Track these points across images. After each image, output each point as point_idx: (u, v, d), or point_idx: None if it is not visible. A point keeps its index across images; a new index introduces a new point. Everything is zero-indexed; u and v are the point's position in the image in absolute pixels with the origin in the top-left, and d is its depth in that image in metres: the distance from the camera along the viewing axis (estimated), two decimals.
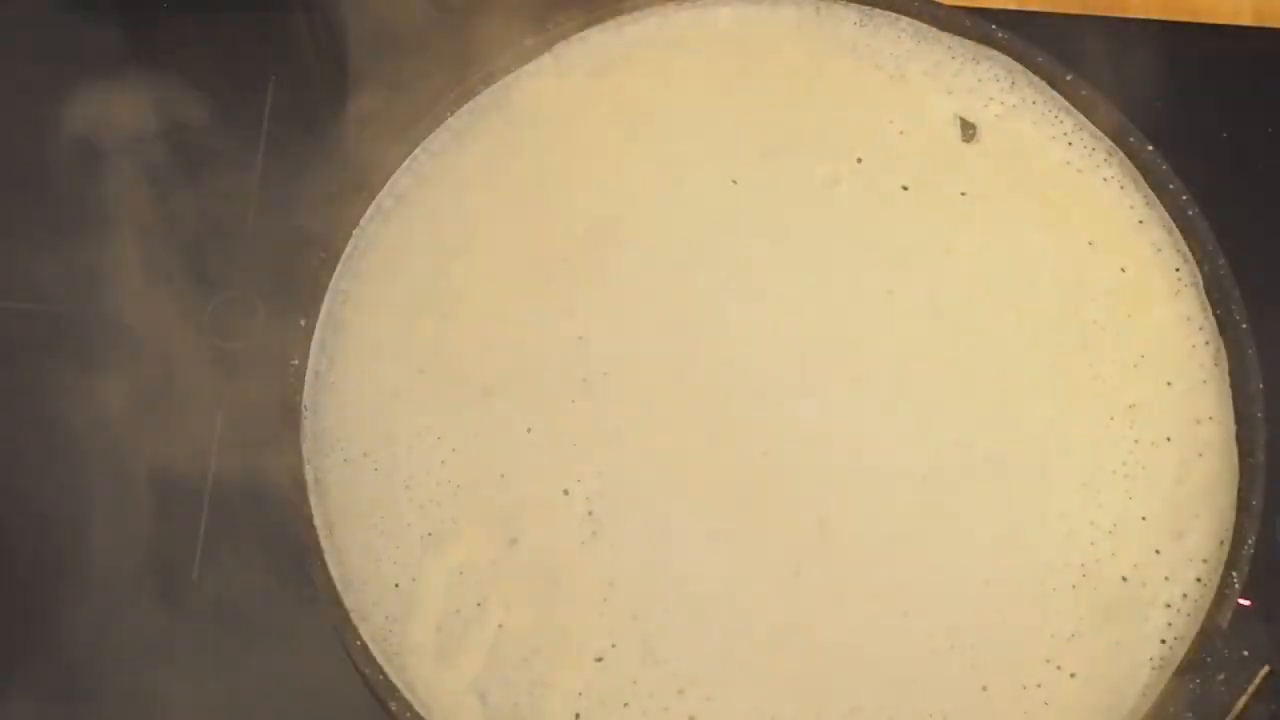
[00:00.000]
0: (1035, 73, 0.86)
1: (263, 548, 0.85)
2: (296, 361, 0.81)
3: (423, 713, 0.74)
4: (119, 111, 0.98)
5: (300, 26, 0.96)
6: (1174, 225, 0.83)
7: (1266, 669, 0.72)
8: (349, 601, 0.77)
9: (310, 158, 0.88)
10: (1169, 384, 0.80)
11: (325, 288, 0.83)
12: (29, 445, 0.92)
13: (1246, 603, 0.75)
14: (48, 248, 0.95)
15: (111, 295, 0.93)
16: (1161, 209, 0.83)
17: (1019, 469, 0.79)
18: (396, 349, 0.82)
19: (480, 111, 0.87)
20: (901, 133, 0.86)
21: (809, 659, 0.76)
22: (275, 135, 0.98)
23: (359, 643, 0.76)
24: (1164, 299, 0.82)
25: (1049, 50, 0.86)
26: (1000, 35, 0.87)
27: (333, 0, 0.95)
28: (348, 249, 0.84)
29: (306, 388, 0.81)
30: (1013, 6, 0.98)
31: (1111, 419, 0.79)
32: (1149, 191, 0.84)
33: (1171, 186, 0.83)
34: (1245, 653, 0.73)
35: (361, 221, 0.85)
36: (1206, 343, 0.81)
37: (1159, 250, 0.83)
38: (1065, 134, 0.85)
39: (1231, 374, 0.80)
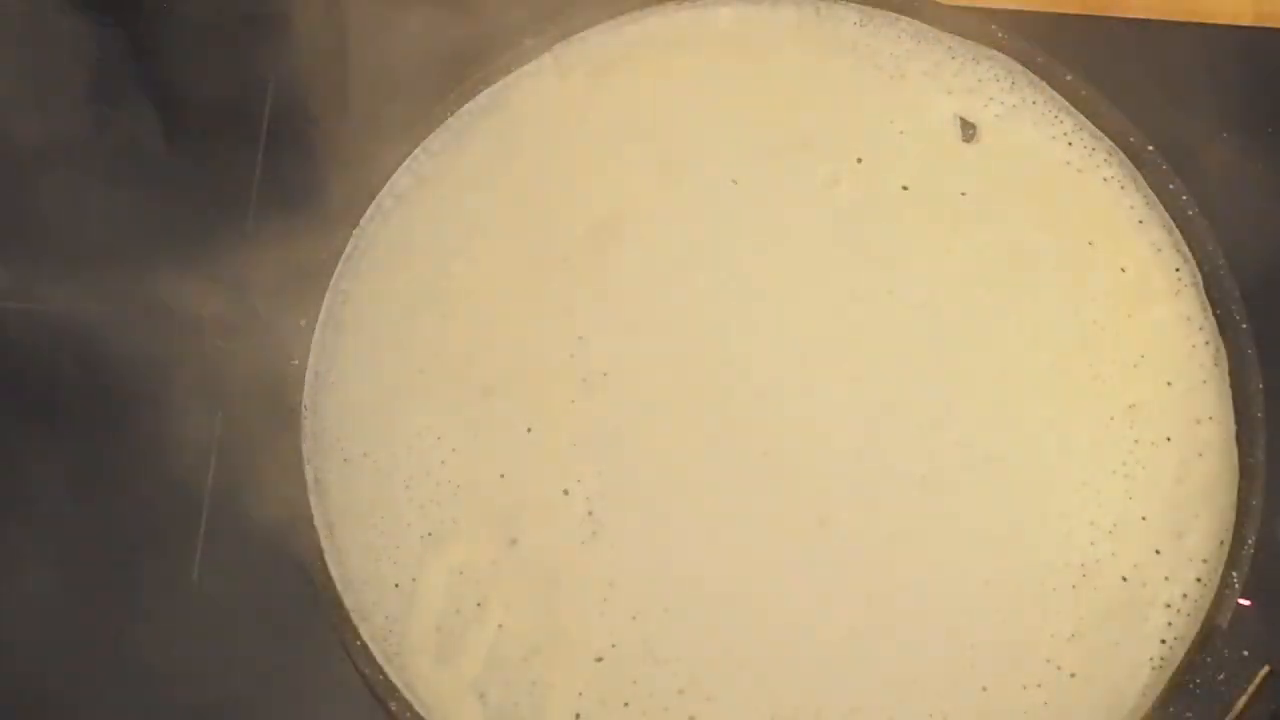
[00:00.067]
0: (1035, 73, 0.86)
1: (263, 548, 0.85)
2: (296, 361, 0.82)
3: (423, 713, 0.75)
4: (119, 111, 0.98)
5: (300, 26, 0.96)
6: (1174, 225, 0.83)
7: (1266, 669, 0.72)
8: (349, 601, 0.77)
9: (310, 158, 0.88)
10: (1169, 384, 0.80)
11: (325, 288, 0.83)
12: (28, 446, 0.92)
13: (1246, 603, 0.75)
14: (47, 247, 0.95)
15: (111, 295, 0.93)
16: (1161, 209, 0.83)
17: (1019, 469, 0.79)
18: (396, 349, 0.82)
19: (480, 111, 0.87)
20: (901, 133, 0.86)
21: (809, 659, 0.76)
22: (275, 135, 0.98)
23: (359, 643, 0.76)
24: (1164, 299, 0.82)
25: (1049, 50, 0.86)
26: (1000, 35, 0.87)
27: (333, 0, 0.95)
28: (348, 249, 0.84)
29: (306, 388, 0.81)
30: (1013, 6, 0.98)
31: (1111, 419, 0.79)
32: (1149, 191, 0.84)
33: (1171, 186, 0.83)
34: (1245, 653, 0.73)
35: (361, 221, 0.85)
36: (1206, 343, 0.81)
37: (1159, 250, 0.83)
38: (1065, 134, 0.85)
39: (1231, 374, 0.80)
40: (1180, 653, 0.75)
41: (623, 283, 0.83)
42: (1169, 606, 0.76)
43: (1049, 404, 0.80)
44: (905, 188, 0.84)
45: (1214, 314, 0.81)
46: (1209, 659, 0.73)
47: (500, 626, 0.77)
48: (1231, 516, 0.77)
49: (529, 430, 0.80)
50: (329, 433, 0.81)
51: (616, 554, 0.78)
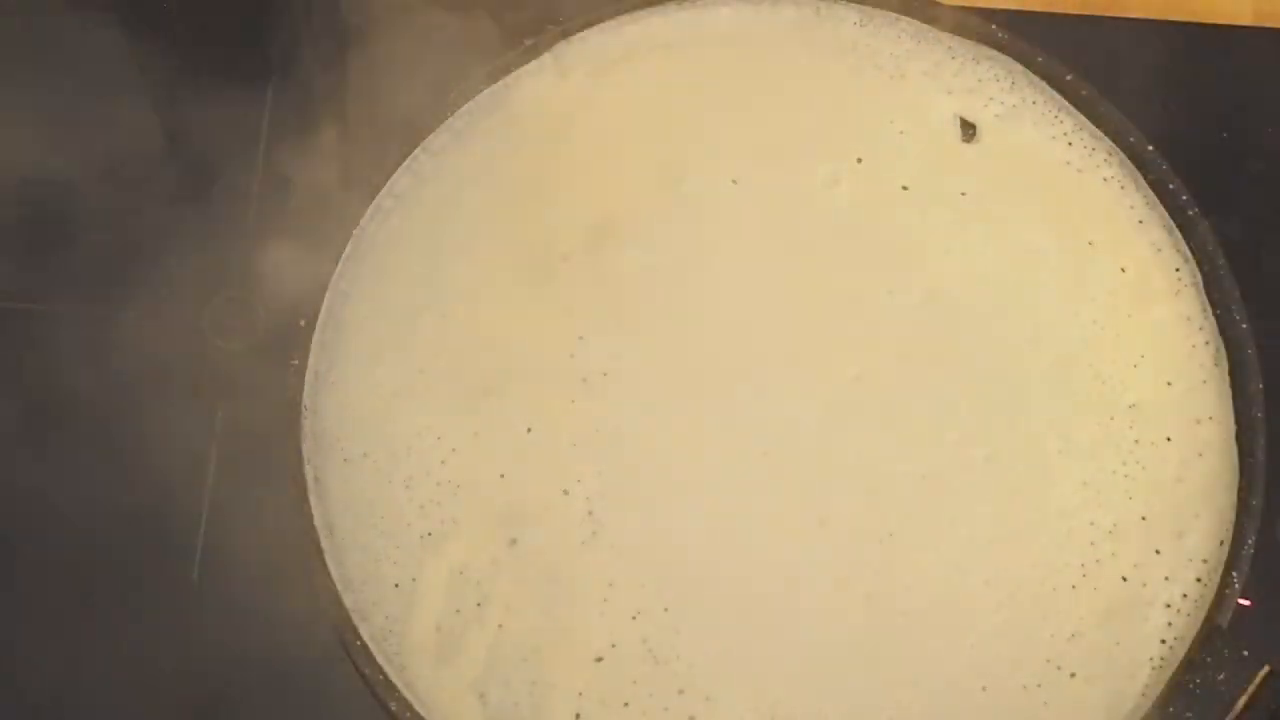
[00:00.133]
0: (1035, 73, 0.86)
1: (263, 548, 0.85)
2: (296, 361, 0.81)
3: (423, 713, 0.74)
4: (118, 111, 0.98)
5: (300, 26, 0.96)
6: (1174, 225, 0.83)
7: (1266, 669, 0.72)
8: (349, 601, 0.77)
9: (310, 157, 0.88)
10: (1169, 384, 0.80)
11: (325, 288, 0.83)
12: (29, 446, 0.92)
13: (1246, 603, 0.75)
14: (47, 248, 0.95)
15: (111, 295, 0.93)
16: (1161, 209, 0.83)
17: (1019, 469, 0.79)
18: (396, 349, 0.82)
19: (480, 111, 0.87)
20: (901, 133, 0.86)
21: (809, 659, 0.76)
22: (275, 135, 0.98)
23: (359, 643, 0.76)
24: (1164, 299, 0.82)
25: (1049, 50, 0.86)
26: (1000, 35, 0.87)
27: (333, 0, 0.95)
28: (348, 249, 0.84)
29: (306, 388, 0.81)
30: (1013, 6, 0.98)
31: (1111, 419, 0.79)
32: (1149, 191, 0.84)
33: (1171, 186, 0.83)
34: (1245, 653, 0.73)
35: (361, 221, 0.85)
36: (1206, 343, 0.81)
37: (1159, 250, 0.83)
38: (1065, 134, 0.85)
39: (1231, 374, 0.80)
40: (1180, 653, 0.75)
41: (622, 283, 0.83)
42: (1169, 606, 0.76)
43: (1049, 404, 0.80)
44: (905, 188, 0.84)
45: (1214, 314, 0.81)
46: (1209, 659, 0.73)
47: (500, 626, 0.77)
48: (1231, 516, 0.77)
49: (529, 430, 0.80)
50: (329, 433, 0.81)
51: (616, 554, 0.78)
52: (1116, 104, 0.85)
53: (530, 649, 0.76)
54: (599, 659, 0.76)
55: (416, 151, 0.86)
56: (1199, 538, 0.77)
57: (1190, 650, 0.74)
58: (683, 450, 0.79)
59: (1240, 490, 0.77)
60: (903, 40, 0.88)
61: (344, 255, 0.84)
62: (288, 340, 0.82)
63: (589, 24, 0.88)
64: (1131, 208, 0.84)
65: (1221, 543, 0.77)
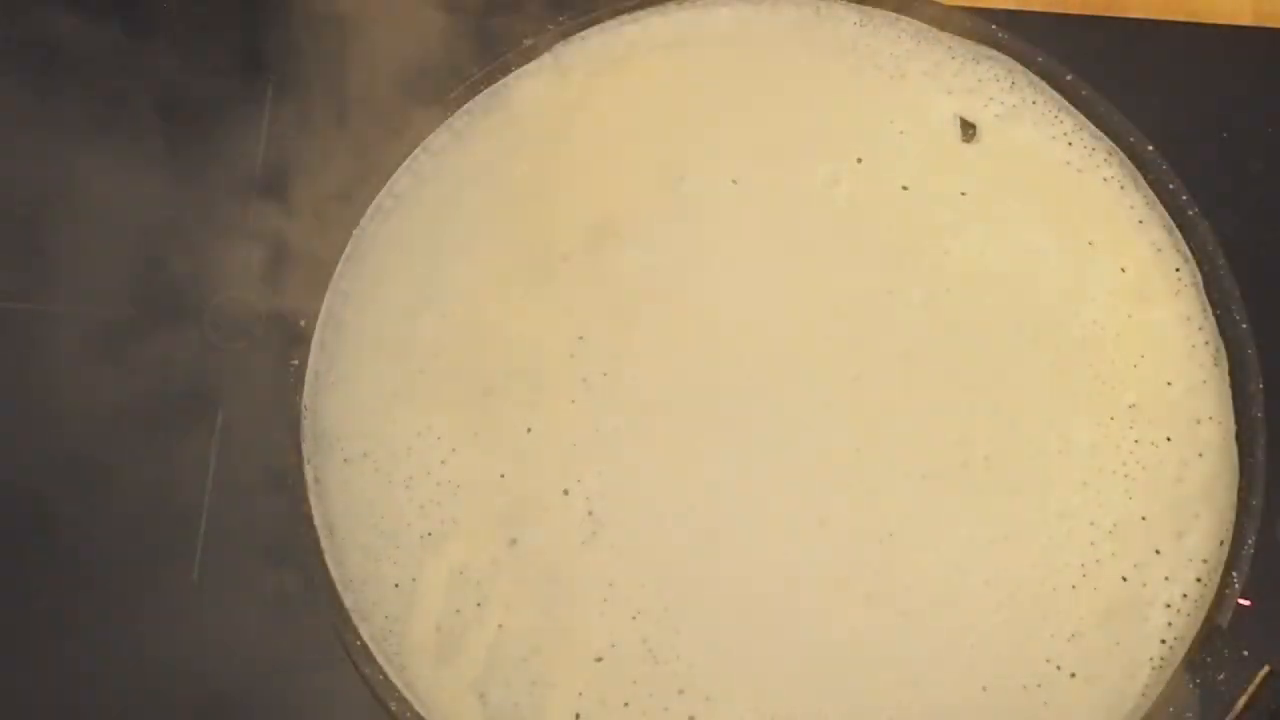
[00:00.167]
0: (1035, 73, 0.86)
1: (263, 548, 0.85)
2: (296, 361, 0.82)
3: (423, 713, 0.75)
4: (118, 111, 0.98)
5: (300, 26, 0.96)
6: (1174, 225, 0.83)
7: (1266, 669, 0.72)
8: (349, 601, 0.77)
9: (310, 158, 0.88)
10: (1169, 384, 0.80)
11: (325, 288, 0.83)
12: (29, 446, 0.92)
13: (1246, 603, 0.75)
14: (47, 248, 0.95)
15: (111, 295, 0.93)
16: (1161, 209, 0.83)
17: (1019, 469, 0.79)
18: (396, 349, 0.82)
19: (480, 111, 0.87)
20: (901, 133, 0.86)
21: (809, 659, 0.76)
22: (275, 134, 0.98)
23: (359, 643, 0.76)
24: (1164, 299, 0.82)
25: (1049, 50, 0.86)
26: (1000, 35, 0.87)
27: (333, 0, 0.95)
28: (348, 249, 0.84)
29: (306, 388, 0.81)
30: (1013, 6, 0.98)
31: (1111, 419, 0.79)
32: (1149, 191, 0.84)
33: (1171, 186, 0.83)
34: (1245, 653, 0.73)
35: (361, 221, 0.85)
36: (1206, 343, 0.81)
37: (1159, 250, 0.83)
38: (1065, 134, 0.85)
39: (1231, 374, 0.80)
40: (1180, 653, 0.75)
41: (622, 283, 0.83)
42: (1169, 606, 0.76)
43: (1049, 404, 0.80)
44: (905, 188, 0.84)
45: (1214, 314, 0.81)
46: (1209, 659, 0.73)
47: (500, 626, 0.77)
48: (1231, 516, 0.77)
49: (529, 430, 0.80)
50: (329, 433, 0.81)
51: (616, 554, 0.78)
52: (1116, 104, 0.85)
53: (530, 649, 0.76)
54: (599, 659, 0.76)
55: (416, 151, 0.86)
56: (1199, 538, 0.77)
57: (1190, 650, 0.74)
58: (683, 450, 0.79)
59: (1240, 490, 0.77)
60: (903, 40, 0.88)
61: (344, 255, 0.84)
62: (288, 340, 0.82)
63: (589, 24, 0.88)
64: (1131, 208, 0.84)
65: (1221, 543, 0.77)
